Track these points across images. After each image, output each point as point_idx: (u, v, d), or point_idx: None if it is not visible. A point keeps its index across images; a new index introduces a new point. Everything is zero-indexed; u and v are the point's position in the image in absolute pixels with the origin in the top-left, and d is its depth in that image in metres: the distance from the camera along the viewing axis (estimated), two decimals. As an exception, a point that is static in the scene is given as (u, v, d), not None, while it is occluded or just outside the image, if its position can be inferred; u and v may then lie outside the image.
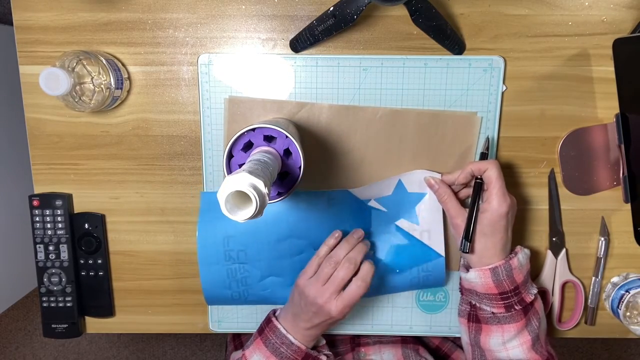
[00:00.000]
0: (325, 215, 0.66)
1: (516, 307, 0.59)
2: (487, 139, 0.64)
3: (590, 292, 0.70)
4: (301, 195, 0.66)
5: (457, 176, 0.62)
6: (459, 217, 0.60)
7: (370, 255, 0.65)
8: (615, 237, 0.69)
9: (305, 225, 0.66)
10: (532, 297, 0.60)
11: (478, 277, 0.59)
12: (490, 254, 0.59)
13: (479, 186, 0.60)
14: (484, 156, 0.63)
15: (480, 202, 0.60)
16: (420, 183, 0.64)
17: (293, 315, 0.61)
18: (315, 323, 0.60)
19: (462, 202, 0.63)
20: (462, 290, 0.64)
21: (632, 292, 0.65)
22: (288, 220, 0.65)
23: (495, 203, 0.58)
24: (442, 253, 0.65)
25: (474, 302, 0.62)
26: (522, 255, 0.60)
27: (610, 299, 0.68)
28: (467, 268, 0.62)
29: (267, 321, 0.64)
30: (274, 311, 0.66)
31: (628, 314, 0.66)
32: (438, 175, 0.64)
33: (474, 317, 0.62)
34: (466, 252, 0.60)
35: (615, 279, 0.69)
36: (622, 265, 0.70)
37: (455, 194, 0.63)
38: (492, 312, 0.59)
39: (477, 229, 0.59)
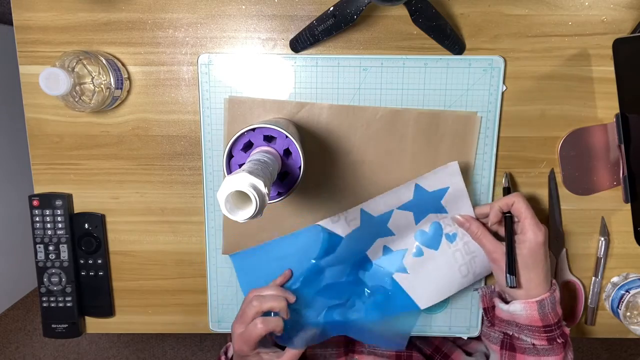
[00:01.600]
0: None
1: (558, 340, 0.58)
2: (506, 174, 0.65)
3: (590, 292, 0.70)
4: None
5: (486, 211, 0.62)
6: (497, 251, 0.60)
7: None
8: (615, 237, 0.69)
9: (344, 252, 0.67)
10: (569, 330, 0.60)
11: (524, 310, 0.58)
12: (534, 285, 0.58)
13: (510, 219, 0.60)
14: (506, 191, 0.64)
15: (514, 235, 0.60)
16: (440, 179, 0.64)
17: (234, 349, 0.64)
18: (240, 356, 0.62)
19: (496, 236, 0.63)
20: (496, 320, 0.62)
21: (632, 292, 0.65)
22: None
23: (530, 233, 0.57)
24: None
25: (511, 333, 0.61)
26: (558, 287, 0.60)
27: (610, 299, 0.68)
28: (503, 299, 0.62)
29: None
30: (225, 349, 0.70)
31: (628, 314, 0.66)
32: (458, 180, 0.63)
33: (507, 345, 0.61)
34: (513, 287, 0.58)
35: (615, 279, 0.69)
36: (622, 265, 0.70)
37: (487, 227, 0.63)
38: (533, 344, 0.59)
39: (519, 262, 0.58)
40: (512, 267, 0.58)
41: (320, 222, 0.66)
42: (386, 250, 0.67)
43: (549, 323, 0.58)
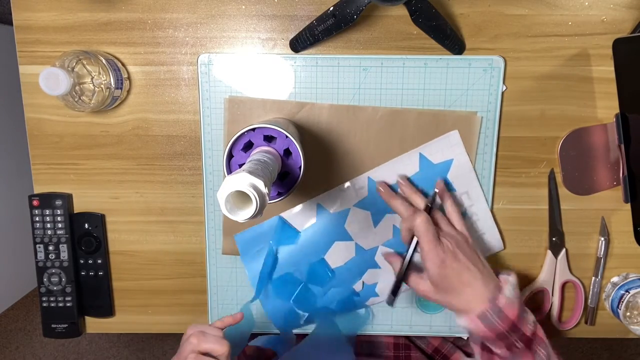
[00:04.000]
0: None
1: (518, 346, 0.54)
2: (435, 193, 0.61)
3: (590, 292, 0.70)
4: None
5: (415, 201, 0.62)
6: (420, 285, 0.58)
7: None
8: (615, 237, 0.69)
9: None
10: (533, 328, 0.56)
11: (469, 326, 0.56)
12: (465, 301, 0.55)
13: (416, 243, 0.58)
14: (428, 209, 0.60)
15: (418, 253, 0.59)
16: (443, 151, 0.64)
17: None
18: None
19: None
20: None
21: (632, 292, 0.65)
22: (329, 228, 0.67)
23: (428, 263, 0.55)
24: (487, 211, 0.66)
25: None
26: (508, 289, 0.56)
27: (610, 299, 0.68)
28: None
29: None
30: None
31: (628, 314, 0.66)
32: (461, 151, 0.64)
33: (486, 347, 0.57)
34: (390, 305, 0.60)
35: (615, 279, 0.69)
36: (622, 265, 0.70)
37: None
38: (496, 353, 0.56)
39: (436, 289, 0.56)
40: (397, 288, 0.59)
41: (317, 199, 0.66)
42: (395, 229, 0.67)
43: (501, 331, 0.54)
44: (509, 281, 0.57)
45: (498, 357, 0.56)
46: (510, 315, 0.54)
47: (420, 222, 0.56)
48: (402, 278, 0.59)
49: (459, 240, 0.57)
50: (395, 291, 0.60)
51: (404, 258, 0.59)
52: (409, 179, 0.65)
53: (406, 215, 0.59)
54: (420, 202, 0.61)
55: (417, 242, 0.57)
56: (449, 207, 0.61)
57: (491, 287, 0.55)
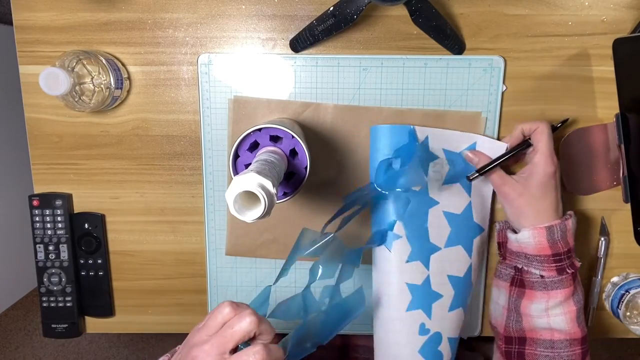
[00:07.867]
0: None
1: (568, 271, 0.57)
2: (566, 120, 0.62)
3: (590, 292, 0.70)
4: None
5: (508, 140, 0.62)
6: (506, 184, 0.60)
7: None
8: (615, 237, 0.69)
9: None
10: (579, 264, 0.59)
11: (532, 237, 0.57)
12: (544, 216, 0.58)
13: (525, 143, 0.60)
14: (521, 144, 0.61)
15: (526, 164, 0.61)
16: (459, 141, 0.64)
17: None
18: None
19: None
20: (507, 253, 0.62)
21: (632, 292, 0.66)
22: None
23: (542, 165, 0.58)
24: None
25: (520, 266, 0.60)
26: (574, 220, 0.59)
27: (610, 299, 0.68)
28: (514, 230, 0.61)
29: None
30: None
31: (628, 314, 0.66)
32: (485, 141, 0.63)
33: (517, 282, 0.60)
34: (470, 180, 0.62)
35: (615, 279, 0.69)
36: (622, 265, 0.70)
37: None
38: (541, 275, 0.57)
39: (527, 193, 0.58)
40: (486, 167, 0.61)
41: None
42: None
43: (559, 252, 0.56)
44: (573, 215, 0.60)
45: (534, 286, 0.57)
46: (570, 240, 0.58)
47: (546, 126, 0.58)
48: (494, 163, 0.61)
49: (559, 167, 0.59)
50: (481, 171, 0.61)
51: (508, 151, 0.61)
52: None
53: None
54: (517, 131, 0.61)
55: (524, 147, 0.60)
56: (543, 141, 0.60)
57: (560, 213, 0.59)
